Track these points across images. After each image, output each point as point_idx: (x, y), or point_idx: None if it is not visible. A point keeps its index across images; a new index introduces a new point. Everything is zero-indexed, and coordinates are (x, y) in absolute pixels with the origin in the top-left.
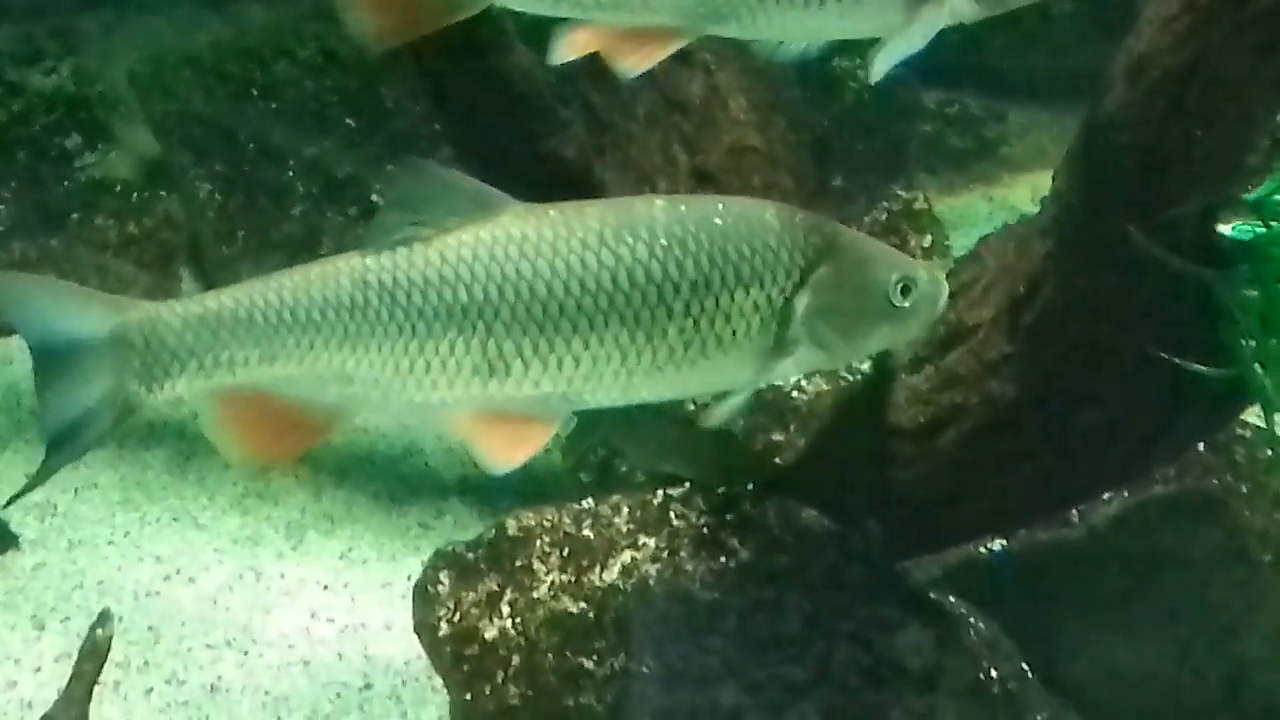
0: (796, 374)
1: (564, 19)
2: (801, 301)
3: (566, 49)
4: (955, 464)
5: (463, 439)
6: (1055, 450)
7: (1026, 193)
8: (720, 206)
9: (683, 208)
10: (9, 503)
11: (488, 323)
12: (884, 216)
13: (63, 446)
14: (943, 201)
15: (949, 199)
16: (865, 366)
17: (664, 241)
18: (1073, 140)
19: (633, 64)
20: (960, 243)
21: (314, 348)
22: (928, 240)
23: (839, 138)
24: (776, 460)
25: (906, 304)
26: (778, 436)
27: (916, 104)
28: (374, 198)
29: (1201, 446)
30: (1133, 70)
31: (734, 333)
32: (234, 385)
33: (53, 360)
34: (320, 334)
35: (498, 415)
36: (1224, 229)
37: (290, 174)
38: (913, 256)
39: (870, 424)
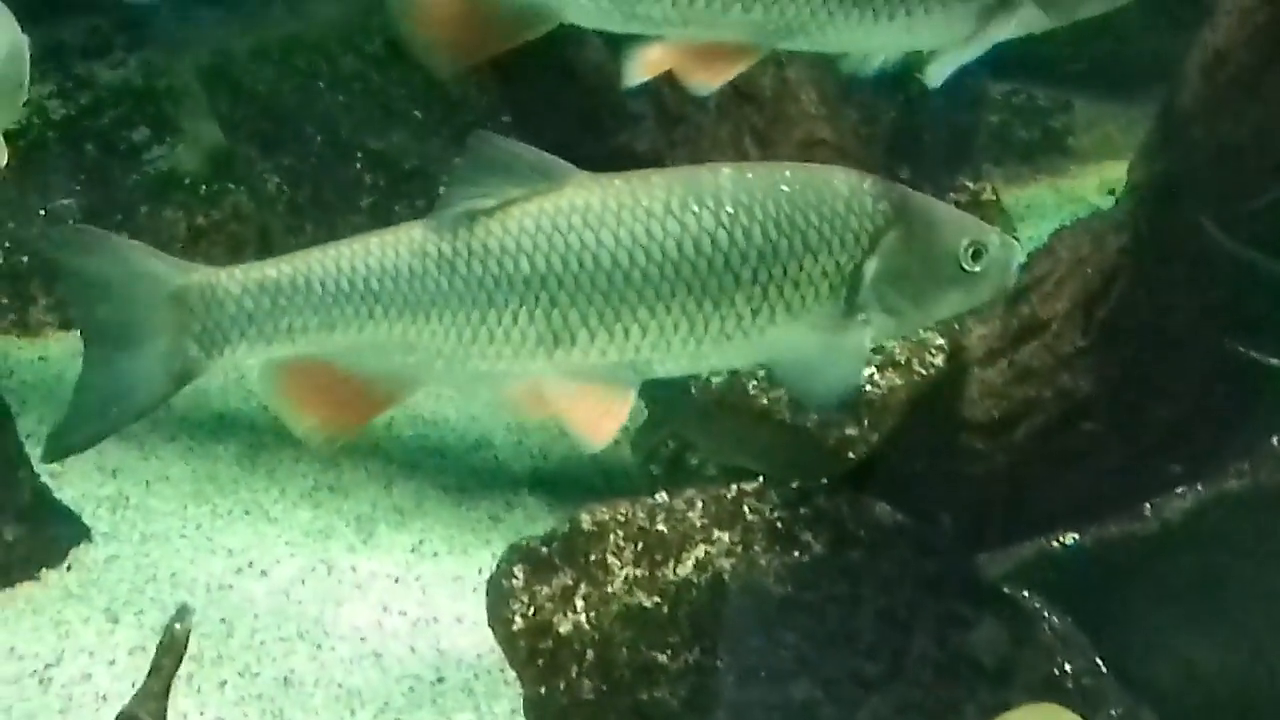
0: (869, 344)
1: (634, 36)
2: (870, 267)
3: (639, 69)
4: (1028, 458)
5: (535, 405)
6: (1129, 444)
7: (1094, 183)
8: (788, 174)
9: (749, 175)
10: (43, 460)
11: (551, 293)
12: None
13: (110, 410)
14: (1010, 192)
15: (1016, 190)
16: (939, 361)
17: (730, 209)
18: (1147, 133)
19: (705, 81)
20: (1028, 234)
21: (374, 316)
22: None
23: (906, 129)
24: (850, 454)
25: (978, 268)
26: (851, 431)
27: (983, 95)
28: (441, 190)
29: (1276, 440)
30: (1209, 64)
31: (803, 300)
32: (294, 353)
33: (109, 322)
34: (380, 303)
35: (578, 392)
36: None
37: (358, 166)
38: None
39: (944, 418)
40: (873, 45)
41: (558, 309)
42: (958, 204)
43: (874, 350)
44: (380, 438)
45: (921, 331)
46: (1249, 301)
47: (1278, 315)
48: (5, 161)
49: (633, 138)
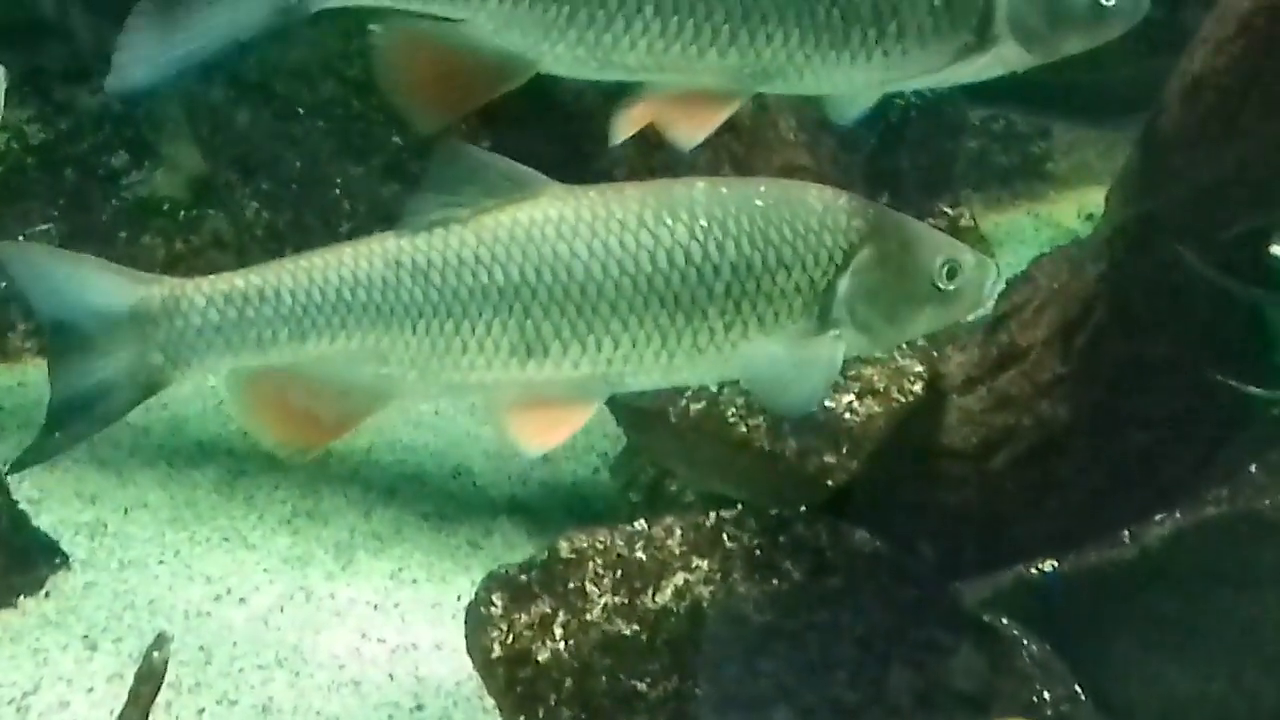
0: (840, 360)
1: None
2: (844, 283)
3: (624, 127)
4: (1007, 485)
5: (498, 423)
6: (1107, 471)
7: (1072, 209)
8: (762, 188)
9: (724, 189)
10: (10, 470)
11: (525, 303)
12: None
13: (75, 421)
14: (988, 218)
15: (995, 215)
16: (918, 388)
17: (704, 223)
18: (1125, 161)
19: (687, 134)
20: (1006, 259)
21: (345, 327)
22: None
23: (885, 155)
24: (829, 482)
25: (952, 287)
26: (829, 458)
27: (962, 121)
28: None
29: (1254, 467)
30: (1187, 92)
31: (776, 315)
32: (264, 365)
33: (70, 335)
34: (352, 313)
35: (534, 399)
36: (1277, 251)
37: (338, 192)
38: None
39: (922, 445)
40: (851, 86)
41: (530, 320)
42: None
43: (852, 378)
44: (359, 464)
45: (900, 359)
46: (1226, 329)
47: (1254, 343)
48: None
49: (612, 164)
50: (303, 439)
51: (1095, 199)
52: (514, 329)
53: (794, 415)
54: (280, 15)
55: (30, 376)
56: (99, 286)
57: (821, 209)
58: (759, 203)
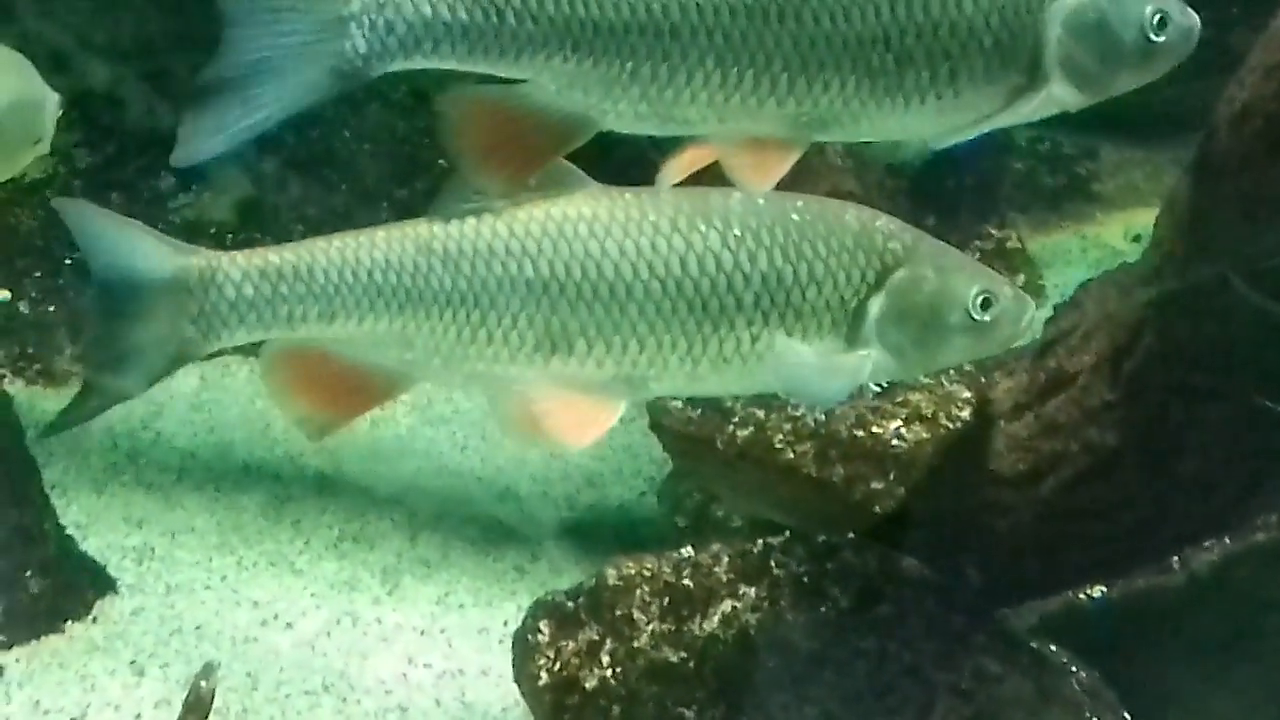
0: (864, 379)
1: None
2: (875, 305)
3: (678, 170)
4: (1055, 511)
5: (528, 424)
6: (1156, 498)
7: (1119, 230)
8: (800, 203)
9: (761, 201)
10: (44, 433)
11: (552, 299)
12: (977, 255)
13: (108, 383)
14: (1035, 239)
15: (1041, 237)
16: (966, 414)
17: (737, 232)
18: (1174, 187)
19: (758, 181)
20: (1053, 281)
21: (374, 309)
22: (1021, 279)
23: (932, 177)
24: (876, 508)
25: (986, 318)
26: (877, 485)
27: (1008, 142)
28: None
29: None
30: (1236, 118)
31: (804, 330)
32: (292, 341)
33: (112, 297)
34: (381, 296)
35: (565, 398)
36: None
37: (383, 215)
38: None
39: (970, 472)
40: (907, 131)
41: (556, 316)
42: (983, 251)
43: (899, 404)
44: (405, 488)
45: (947, 385)
46: (1275, 356)
47: None
48: None
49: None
50: (323, 416)
51: (1142, 220)
52: (540, 323)
53: (811, 408)
54: (340, 81)
55: None
56: (143, 251)
57: (859, 228)
58: (795, 217)
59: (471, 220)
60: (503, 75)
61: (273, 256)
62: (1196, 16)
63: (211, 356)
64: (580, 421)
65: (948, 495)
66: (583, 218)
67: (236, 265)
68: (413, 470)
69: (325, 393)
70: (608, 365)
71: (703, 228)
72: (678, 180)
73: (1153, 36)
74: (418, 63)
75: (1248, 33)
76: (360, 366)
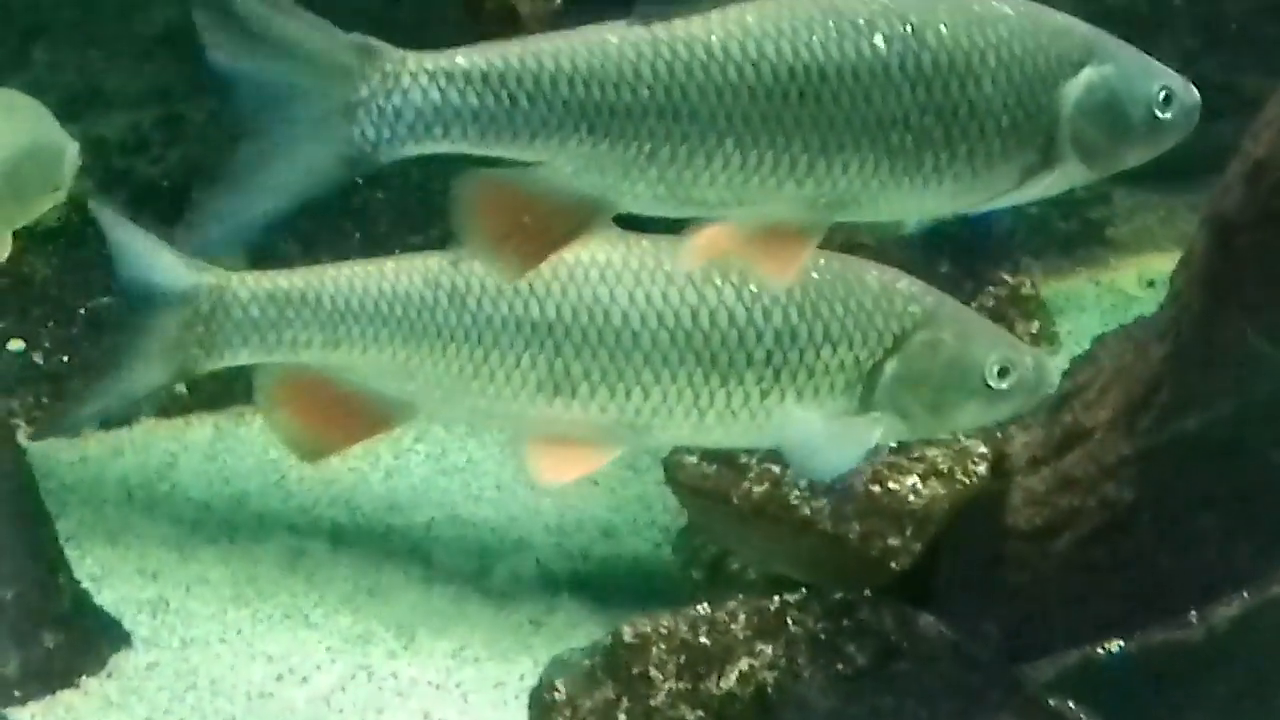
0: (880, 443)
1: None
2: (890, 368)
3: (693, 255)
4: (1072, 566)
5: (519, 454)
6: (1173, 553)
7: (1134, 275)
8: (821, 261)
9: None
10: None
11: (558, 341)
12: (990, 302)
13: (110, 392)
14: (1049, 285)
15: (1055, 282)
16: (982, 469)
17: (753, 287)
18: (1190, 241)
19: (778, 273)
20: (1067, 327)
21: (378, 339)
22: (1035, 326)
23: (945, 222)
24: (893, 565)
25: (1003, 386)
26: (894, 541)
27: None
28: None
29: None
30: (1251, 174)
31: (816, 389)
32: (296, 365)
33: (131, 303)
34: (386, 326)
35: (559, 434)
36: None
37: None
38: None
39: (987, 527)
40: (923, 210)
41: (561, 358)
42: (997, 298)
43: (915, 459)
44: (420, 540)
45: (963, 439)
46: None
47: None
48: (5, 255)
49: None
50: (319, 441)
51: (1157, 265)
52: (543, 364)
53: (818, 481)
54: (351, 168)
55: (92, 452)
56: (162, 264)
57: (878, 289)
58: (814, 275)
59: None
60: (517, 158)
61: (282, 280)
62: (1197, 93)
63: (227, 405)
64: (565, 459)
65: (964, 551)
66: (595, 262)
67: (246, 286)
68: (427, 521)
69: (322, 417)
70: (611, 411)
71: (717, 281)
72: (697, 265)
73: (1159, 113)
74: (429, 148)
75: (1260, 77)
76: (361, 394)
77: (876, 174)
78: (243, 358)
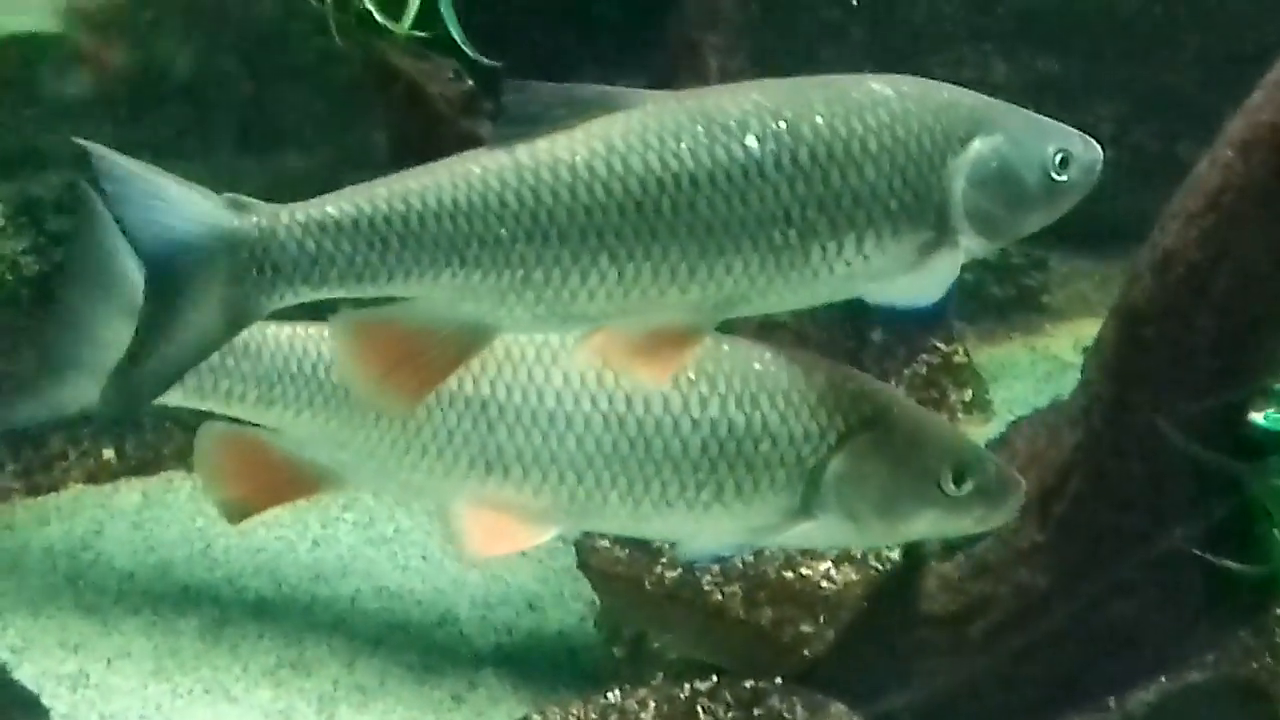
0: (824, 545)
1: None
2: (834, 467)
3: (586, 358)
4: (987, 653)
5: (449, 523)
6: (1088, 639)
7: (1068, 342)
8: (767, 355)
9: (725, 347)
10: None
11: (490, 419)
12: (924, 370)
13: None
14: (983, 351)
15: (990, 348)
16: (895, 555)
17: (690, 375)
18: (1101, 329)
19: (654, 377)
20: (1001, 395)
21: (311, 404)
22: (968, 394)
23: None
24: (805, 651)
25: (961, 493)
26: (806, 627)
27: None
28: None
29: (1244, 633)
30: (1159, 264)
31: (755, 484)
32: (233, 426)
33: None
34: (320, 392)
35: (492, 508)
36: (1256, 418)
37: None
38: (953, 411)
39: (900, 613)
40: (816, 299)
41: (494, 437)
42: (930, 365)
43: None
44: (344, 611)
45: None
46: (1205, 500)
47: (1235, 513)
48: None
49: None
50: (248, 500)
51: (1091, 331)
52: (475, 443)
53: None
54: (231, 327)
55: (19, 518)
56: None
57: (824, 384)
58: (757, 366)
59: None
60: (393, 295)
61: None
62: (1099, 147)
63: (156, 471)
64: (497, 534)
65: (878, 637)
66: (531, 341)
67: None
68: (353, 591)
69: (254, 478)
70: (545, 494)
71: None
72: (592, 368)
73: (1056, 176)
74: (307, 297)
75: (1193, 144)
76: (295, 459)
77: (762, 271)
78: (176, 398)
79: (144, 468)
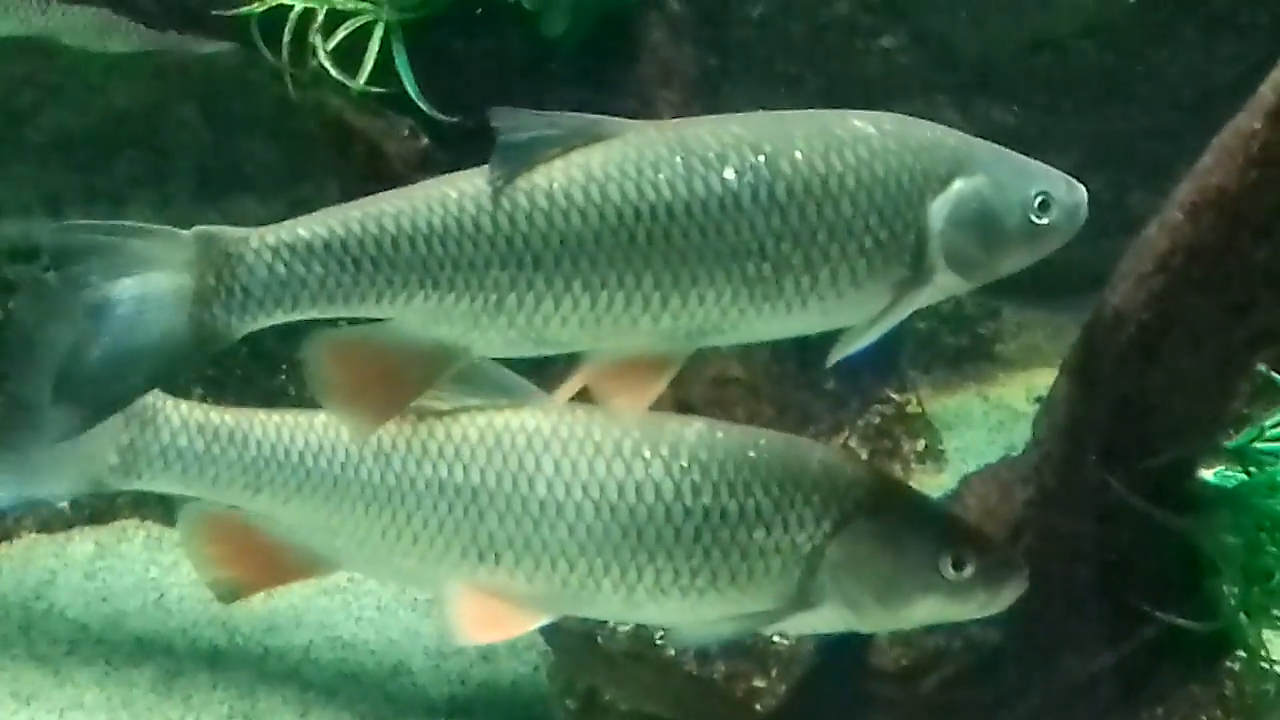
0: (825, 630)
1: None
2: (830, 554)
3: (565, 392)
4: (939, 708)
5: (442, 606)
6: (1040, 694)
7: (1021, 391)
8: (761, 440)
9: (719, 433)
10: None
11: (481, 507)
12: (877, 420)
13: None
14: (937, 400)
15: (943, 398)
16: None
17: (684, 462)
18: (1052, 387)
19: (630, 404)
20: (954, 444)
21: (300, 491)
22: (921, 444)
23: (831, 338)
24: (757, 706)
25: (960, 578)
26: (759, 682)
27: None
28: None
29: (1194, 688)
30: (1108, 323)
31: (750, 572)
32: (220, 506)
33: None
34: (309, 479)
35: (485, 594)
36: (1206, 475)
37: (283, 377)
38: (906, 461)
39: (852, 668)
40: (789, 332)
41: (485, 525)
42: (883, 415)
43: None
44: (298, 662)
45: None
46: (1155, 557)
47: (1184, 570)
48: None
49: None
50: (240, 583)
51: (1045, 381)
52: (466, 530)
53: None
54: (206, 350)
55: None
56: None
57: (819, 469)
58: (752, 453)
59: (412, 417)
60: (365, 317)
61: (214, 416)
62: (1083, 190)
63: (110, 520)
64: (491, 619)
65: (830, 692)
66: (524, 429)
67: (178, 413)
68: (306, 642)
69: (245, 560)
70: (538, 581)
71: (647, 454)
72: (569, 398)
73: (1036, 219)
74: (280, 319)
75: (1146, 195)
76: (285, 543)
77: (735, 303)
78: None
79: (98, 517)
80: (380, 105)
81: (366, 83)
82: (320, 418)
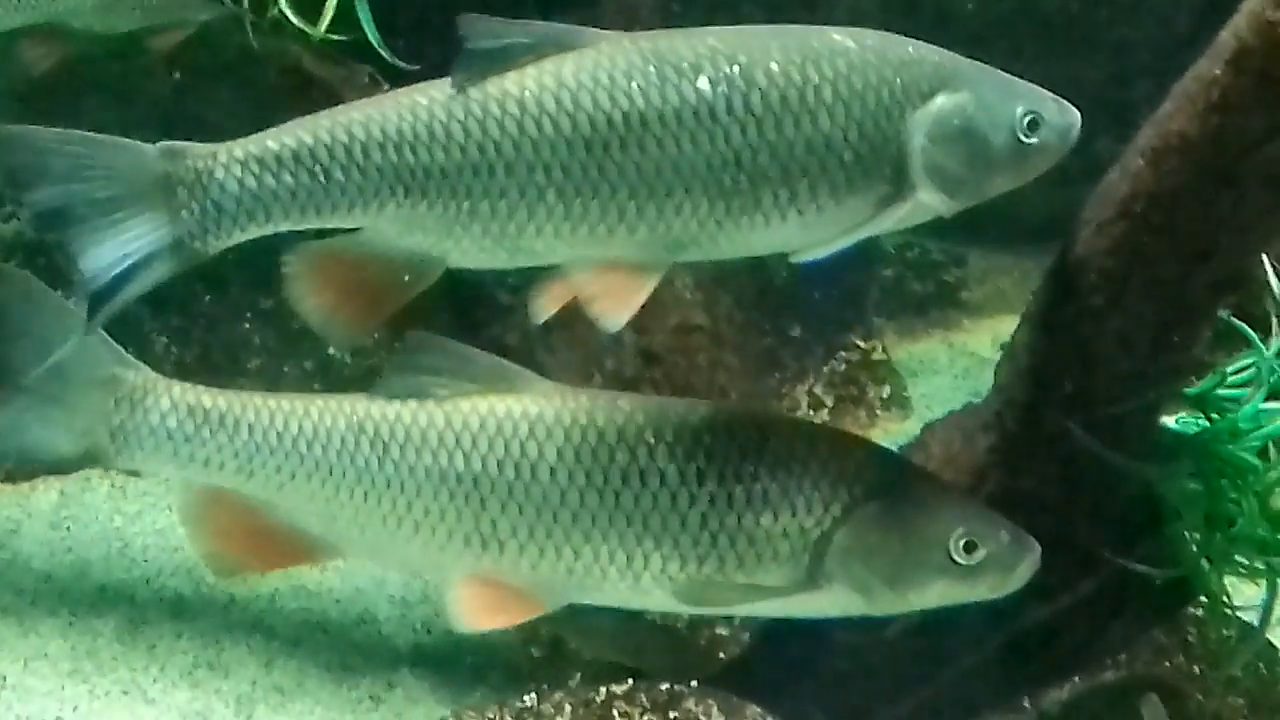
0: (833, 614)
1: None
2: (839, 538)
3: (544, 305)
4: (902, 654)
5: (445, 594)
6: (1003, 640)
7: (987, 338)
8: (768, 422)
9: (725, 415)
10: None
11: (483, 495)
12: (843, 367)
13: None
14: (902, 347)
15: (908, 345)
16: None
17: (689, 445)
18: (1013, 334)
19: (612, 314)
20: (920, 391)
21: (295, 476)
22: (886, 391)
23: (797, 286)
24: (721, 654)
25: (971, 562)
26: (722, 631)
27: (875, 249)
28: (330, 350)
29: (1157, 632)
30: (1070, 270)
31: (758, 556)
32: (221, 484)
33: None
34: (304, 465)
35: (488, 581)
36: (1168, 422)
37: (247, 326)
38: (871, 407)
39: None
40: (771, 247)
41: (487, 512)
42: (849, 362)
43: None
44: (263, 611)
45: None
46: (1117, 503)
47: (1146, 517)
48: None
49: (504, 330)
50: (238, 562)
51: (1009, 327)
52: (469, 519)
53: None
54: (182, 263)
55: None
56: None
57: (827, 453)
58: (757, 435)
59: (411, 404)
60: (338, 227)
61: (205, 398)
62: (1076, 112)
63: (73, 471)
64: (494, 606)
65: (792, 640)
66: (526, 416)
67: (169, 394)
68: (271, 591)
69: (244, 541)
70: (542, 569)
71: (651, 440)
72: (550, 313)
73: (1024, 138)
74: (254, 233)
75: (1111, 141)
76: (286, 527)
77: (712, 215)
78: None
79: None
80: (341, 53)
81: (327, 30)
82: (316, 403)
